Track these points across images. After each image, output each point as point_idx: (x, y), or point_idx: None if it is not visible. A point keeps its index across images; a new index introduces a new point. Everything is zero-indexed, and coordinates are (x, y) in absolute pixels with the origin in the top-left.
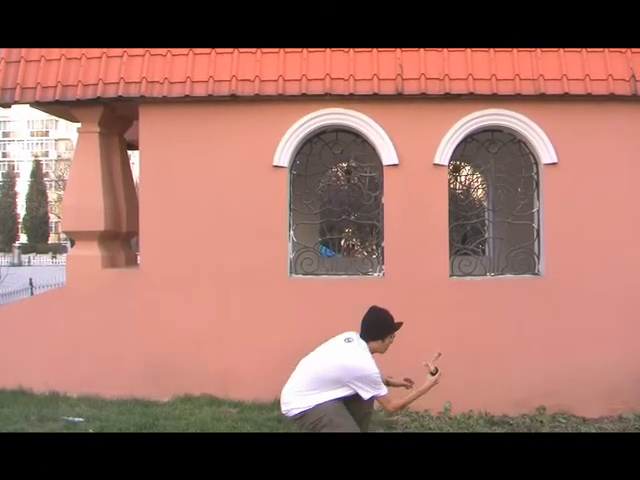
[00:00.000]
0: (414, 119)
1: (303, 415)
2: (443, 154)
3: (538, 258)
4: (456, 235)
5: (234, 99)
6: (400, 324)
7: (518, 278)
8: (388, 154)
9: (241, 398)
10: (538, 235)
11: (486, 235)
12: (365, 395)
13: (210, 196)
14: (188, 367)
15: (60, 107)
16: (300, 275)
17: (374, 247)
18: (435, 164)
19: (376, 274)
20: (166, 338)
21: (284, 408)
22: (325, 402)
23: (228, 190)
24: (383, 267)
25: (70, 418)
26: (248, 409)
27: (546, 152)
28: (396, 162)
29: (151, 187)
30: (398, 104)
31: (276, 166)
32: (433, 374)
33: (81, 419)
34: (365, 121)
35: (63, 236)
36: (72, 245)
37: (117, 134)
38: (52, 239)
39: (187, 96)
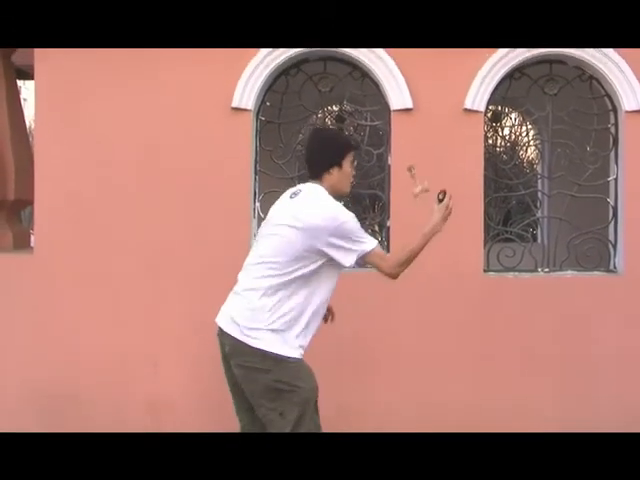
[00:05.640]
0: None
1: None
2: (478, 95)
3: (614, 248)
4: (495, 212)
5: None
6: (357, 145)
7: (585, 276)
8: (399, 95)
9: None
10: (615, 215)
11: (539, 213)
12: (348, 258)
13: (139, 152)
14: (101, 396)
15: None
16: None
17: (376, 228)
18: (466, 109)
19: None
20: (69, 356)
21: (225, 325)
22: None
23: (163, 144)
24: None
25: None
26: None
27: (630, 94)
28: (410, 106)
29: (52, 136)
30: None
31: (236, 108)
32: (441, 200)
33: None
34: None
35: None
36: None
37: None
38: None
39: None
